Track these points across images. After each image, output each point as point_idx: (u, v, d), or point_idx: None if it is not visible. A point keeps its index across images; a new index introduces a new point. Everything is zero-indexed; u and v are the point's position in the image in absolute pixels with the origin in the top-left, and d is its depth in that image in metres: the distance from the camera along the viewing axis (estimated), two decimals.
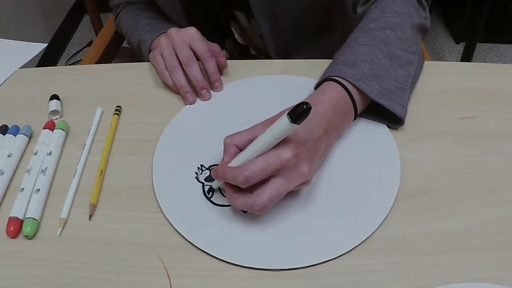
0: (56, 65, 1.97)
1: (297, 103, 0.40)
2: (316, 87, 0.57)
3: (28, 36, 1.76)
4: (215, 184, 0.51)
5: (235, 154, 0.47)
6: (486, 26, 1.73)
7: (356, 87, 0.53)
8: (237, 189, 0.45)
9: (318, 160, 0.48)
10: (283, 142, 0.44)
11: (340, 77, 0.54)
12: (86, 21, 2.26)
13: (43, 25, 1.97)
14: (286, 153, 0.43)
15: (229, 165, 0.46)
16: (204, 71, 0.63)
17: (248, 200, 0.44)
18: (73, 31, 2.22)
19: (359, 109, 0.55)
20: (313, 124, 0.48)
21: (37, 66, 0.73)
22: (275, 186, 0.44)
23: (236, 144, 0.47)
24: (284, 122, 0.41)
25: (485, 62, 1.94)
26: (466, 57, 1.81)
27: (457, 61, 1.89)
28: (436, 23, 2.17)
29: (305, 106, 0.39)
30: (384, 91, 0.55)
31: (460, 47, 1.97)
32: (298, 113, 0.40)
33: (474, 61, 1.88)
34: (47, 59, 1.88)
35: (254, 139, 0.46)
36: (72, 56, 2.05)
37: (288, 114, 0.40)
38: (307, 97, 0.53)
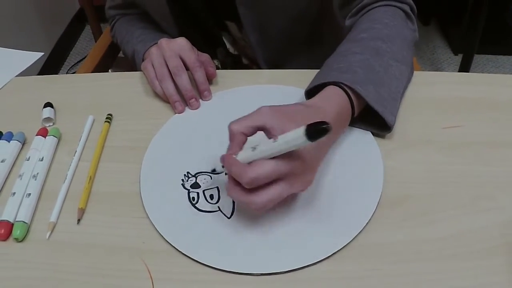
0: (57, 74, 1.99)
1: (317, 120, 0.40)
2: (307, 92, 0.57)
3: (29, 45, 1.76)
4: (220, 168, 0.53)
5: (243, 143, 0.46)
6: (484, 37, 1.74)
7: (353, 90, 0.53)
8: (239, 182, 0.45)
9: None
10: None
11: (338, 83, 0.53)
12: (88, 31, 2.28)
13: (45, 34, 1.99)
14: (295, 161, 0.43)
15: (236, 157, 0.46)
16: (193, 81, 0.64)
17: (247, 197, 0.44)
18: (75, 41, 2.24)
19: (355, 115, 0.55)
20: None
21: (38, 75, 0.75)
22: (277, 190, 0.43)
23: (244, 132, 0.46)
24: (300, 137, 0.40)
25: (483, 73, 1.94)
26: (464, 68, 1.82)
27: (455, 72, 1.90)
28: (435, 34, 2.19)
29: (325, 126, 0.39)
30: (380, 96, 0.54)
31: (458, 58, 1.97)
32: (317, 132, 0.39)
33: (472, 72, 1.88)
34: (48, 68, 1.90)
35: (261, 128, 0.45)
36: (73, 65, 2.07)
37: (306, 130, 0.39)
38: (311, 100, 0.52)
